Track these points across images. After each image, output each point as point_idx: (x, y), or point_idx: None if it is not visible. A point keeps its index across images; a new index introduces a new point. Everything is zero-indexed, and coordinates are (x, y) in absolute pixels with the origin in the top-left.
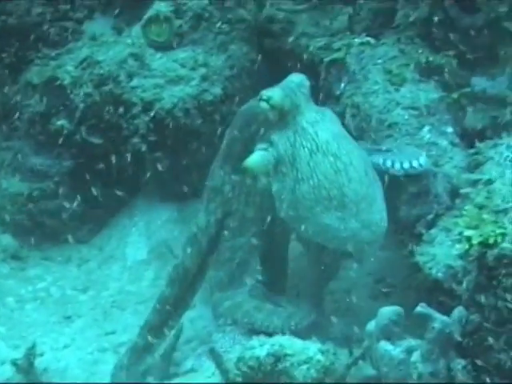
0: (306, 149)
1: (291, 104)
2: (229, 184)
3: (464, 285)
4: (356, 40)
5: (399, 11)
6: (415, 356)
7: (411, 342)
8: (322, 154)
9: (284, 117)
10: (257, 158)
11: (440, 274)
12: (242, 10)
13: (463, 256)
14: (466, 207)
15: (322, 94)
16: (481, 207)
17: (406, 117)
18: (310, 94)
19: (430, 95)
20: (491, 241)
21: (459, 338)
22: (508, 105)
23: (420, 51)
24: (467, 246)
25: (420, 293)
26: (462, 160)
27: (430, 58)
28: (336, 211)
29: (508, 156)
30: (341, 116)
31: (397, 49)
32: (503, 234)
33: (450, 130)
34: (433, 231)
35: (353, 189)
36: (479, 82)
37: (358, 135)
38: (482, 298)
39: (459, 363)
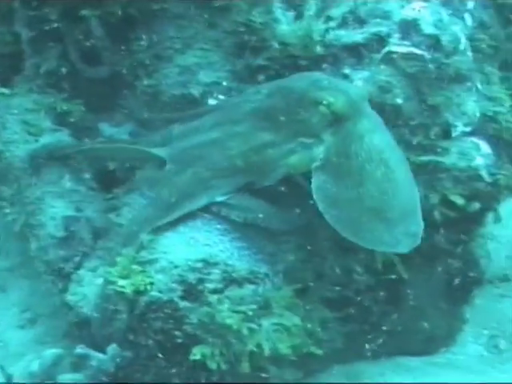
0: (359, 158)
1: (353, 113)
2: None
3: (117, 325)
4: None
5: (27, 61)
6: None
7: None
8: (375, 164)
9: (341, 121)
10: (302, 160)
11: (91, 312)
12: None
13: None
14: (118, 258)
15: None
16: (130, 258)
17: None
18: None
19: None
20: (142, 288)
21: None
22: None
23: (52, 100)
24: (121, 293)
25: (72, 326)
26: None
27: (64, 107)
28: (381, 222)
29: None
30: None
31: (31, 99)
32: (151, 283)
33: (87, 176)
34: (80, 272)
35: (400, 200)
36: (106, 128)
37: None
38: (134, 338)
39: None
